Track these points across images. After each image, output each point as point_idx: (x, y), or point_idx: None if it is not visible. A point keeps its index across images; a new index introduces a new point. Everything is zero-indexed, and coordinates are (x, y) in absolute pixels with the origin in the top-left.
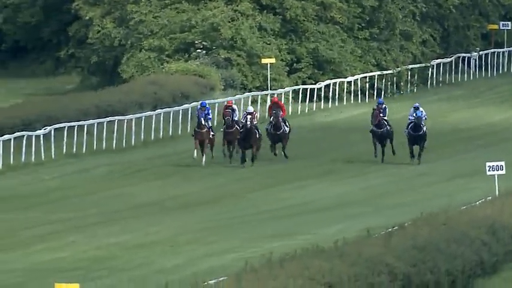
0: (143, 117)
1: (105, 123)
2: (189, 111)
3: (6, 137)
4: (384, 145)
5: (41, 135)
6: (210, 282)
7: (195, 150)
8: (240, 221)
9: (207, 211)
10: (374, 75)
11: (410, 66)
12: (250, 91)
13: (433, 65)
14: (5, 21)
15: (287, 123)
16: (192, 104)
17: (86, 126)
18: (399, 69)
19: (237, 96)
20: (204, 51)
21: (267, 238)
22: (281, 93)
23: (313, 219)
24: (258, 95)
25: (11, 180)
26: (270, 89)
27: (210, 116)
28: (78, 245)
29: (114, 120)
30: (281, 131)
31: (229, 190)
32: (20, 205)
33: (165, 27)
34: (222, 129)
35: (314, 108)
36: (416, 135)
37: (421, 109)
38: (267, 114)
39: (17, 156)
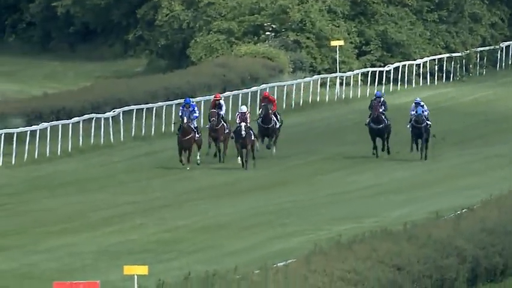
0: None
1: (173, 106)
2: (258, 94)
3: (75, 119)
4: (384, 140)
5: (110, 118)
6: (278, 264)
7: (182, 157)
8: (309, 204)
9: (275, 194)
10: (443, 58)
11: (479, 49)
12: (319, 73)
13: (502, 48)
14: (74, 4)
15: (278, 118)
16: (261, 86)
17: (154, 108)
18: (468, 51)
19: (306, 78)
20: (273, 34)
21: (336, 221)
22: (350, 76)
23: (382, 201)
24: (326, 78)
25: (80, 163)
26: (339, 72)
27: (196, 114)
28: (146, 228)
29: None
30: (271, 125)
31: (298, 173)
32: (89, 188)
33: (234, 9)
34: (207, 126)
35: (383, 91)
36: (418, 126)
37: (422, 104)
38: (257, 109)
39: (86, 139)
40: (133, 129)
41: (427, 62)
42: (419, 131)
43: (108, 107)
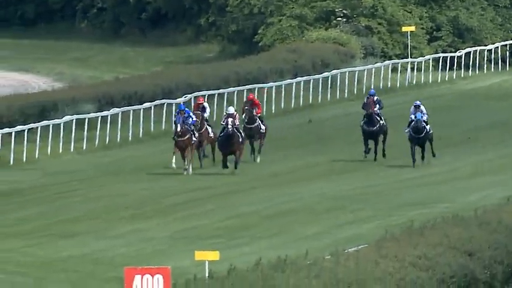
0: (283, 85)
1: (244, 91)
2: (329, 80)
3: (146, 105)
4: (377, 142)
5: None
6: (350, 249)
7: (173, 158)
8: (381, 189)
9: (346, 180)
10: None
11: None
12: (390, 59)
13: None
14: None
15: (264, 123)
16: (332, 72)
17: (226, 94)
18: None
19: (377, 64)
20: (345, 19)
21: (407, 206)
22: (421, 61)
23: (454, 187)
24: (398, 63)
25: (152, 148)
26: (410, 57)
27: (194, 119)
28: (217, 213)
29: (254, 88)
30: (254, 125)
31: (369, 159)
32: (160, 173)
33: None
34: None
35: (454, 77)
36: (416, 137)
37: (421, 108)
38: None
39: (157, 125)
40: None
41: (498, 47)
42: (419, 140)
43: (180, 92)
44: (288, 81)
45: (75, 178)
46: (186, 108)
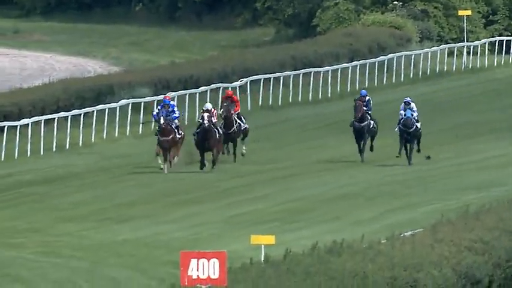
0: (339, 69)
1: (300, 75)
2: (385, 63)
3: (202, 88)
4: (364, 141)
5: (237, 87)
6: (405, 234)
7: (158, 158)
8: (436, 173)
9: (401, 164)
10: None
11: None
12: (446, 43)
13: None
14: None
15: (243, 120)
16: (388, 56)
17: (281, 78)
18: None
19: (433, 48)
20: (401, 3)
21: (462, 190)
22: (477, 45)
23: (509, 171)
24: (454, 47)
25: None
26: (467, 41)
27: (176, 114)
28: (273, 197)
29: (310, 72)
30: (232, 130)
31: (423, 144)
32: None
33: None
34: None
35: (510, 60)
36: (406, 131)
37: (412, 105)
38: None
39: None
40: (260, 99)
41: None
42: (409, 135)
43: (236, 76)
44: (344, 65)
45: (132, 162)
46: (171, 102)
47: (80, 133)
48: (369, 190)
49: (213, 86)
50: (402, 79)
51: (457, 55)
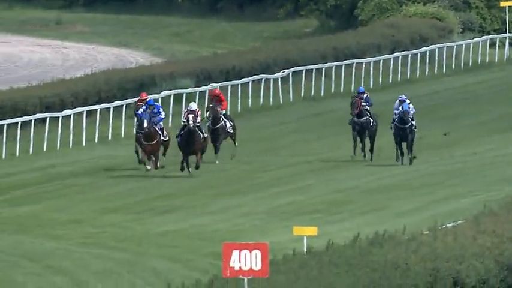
0: (381, 61)
1: (343, 67)
2: (427, 55)
3: (244, 80)
4: (364, 138)
5: (279, 79)
6: (448, 225)
7: (143, 156)
8: (478, 164)
9: (442, 155)
10: None
11: None
12: (488, 34)
13: None
14: None
15: (230, 120)
16: (430, 47)
17: (323, 69)
18: None
19: (475, 39)
20: None
21: (506, 182)
22: None
23: None
24: (496, 38)
25: (250, 123)
26: (509, 32)
27: (162, 116)
28: (315, 189)
29: (352, 64)
30: (219, 125)
31: (462, 135)
32: (258, 148)
33: None
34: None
35: None
36: (402, 127)
37: (407, 102)
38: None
39: (255, 100)
40: (302, 90)
41: None
42: (404, 133)
43: (277, 67)
44: (386, 56)
45: (174, 153)
46: (156, 103)
47: (122, 124)
48: (411, 181)
49: (255, 77)
50: (444, 70)
51: (499, 46)
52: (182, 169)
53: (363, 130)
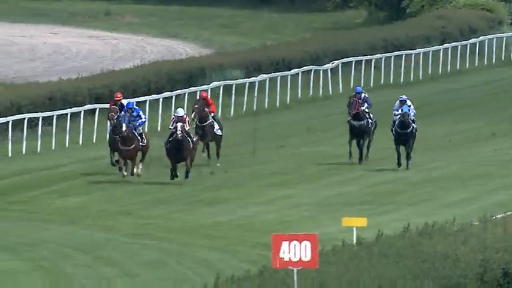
0: (430, 52)
1: (392, 58)
2: (477, 46)
3: (294, 71)
4: (362, 142)
5: (329, 70)
6: (497, 216)
7: (123, 168)
8: None
9: (493, 146)
10: None
11: None
12: None
13: None
14: None
15: (217, 123)
16: (479, 38)
17: (373, 60)
18: None
19: None
20: None
21: None
22: None
23: None
24: None
25: (299, 115)
26: None
27: (143, 120)
28: (364, 179)
29: (402, 55)
30: (207, 122)
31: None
32: (307, 139)
33: None
34: (108, 131)
35: None
36: (403, 133)
37: (408, 103)
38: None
39: (304, 91)
40: (352, 81)
41: None
42: (406, 138)
43: (327, 58)
44: (436, 47)
45: (223, 144)
46: (136, 107)
47: (172, 115)
48: (460, 172)
49: (305, 68)
50: (493, 61)
51: None
52: (172, 178)
53: (361, 134)
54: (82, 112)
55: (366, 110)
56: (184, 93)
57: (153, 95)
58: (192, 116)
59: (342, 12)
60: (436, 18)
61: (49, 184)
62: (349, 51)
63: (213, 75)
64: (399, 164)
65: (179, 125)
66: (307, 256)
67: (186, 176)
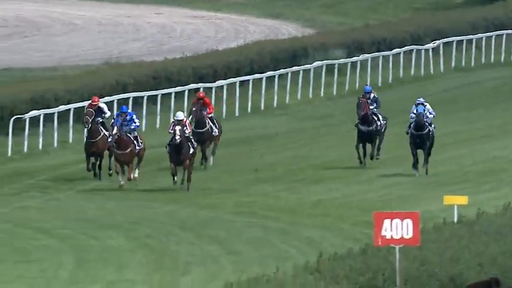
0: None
1: (493, 37)
2: None
3: (395, 51)
4: (373, 145)
5: (430, 50)
6: None
7: (119, 175)
8: None
9: None
10: None
11: None
12: None
13: None
14: None
15: (216, 124)
16: None
17: (474, 40)
18: None
19: None
20: None
21: None
22: None
23: None
24: None
25: (401, 94)
26: None
27: (136, 124)
28: (465, 158)
29: (502, 34)
30: (205, 128)
31: None
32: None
33: None
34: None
35: None
36: (418, 134)
37: (425, 105)
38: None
39: (406, 70)
40: (453, 61)
41: None
42: (421, 140)
43: (428, 38)
44: None
45: (326, 123)
46: (129, 111)
47: (275, 94)
48: None
49: (406, 48)
50: None
51: None
52: (175, 181)
53: (370, 139)
54: (186, 91)
55: (374, 111)
56: (287, 73)
57: (256, 74)
58: (189, 119)
59: None
60: None
61: (154, 163)
62: (450, 31)
63: (316, 54)
64: (415, 168)
65: (177, 128)
66: (409, 234)
67: (188, 179)
